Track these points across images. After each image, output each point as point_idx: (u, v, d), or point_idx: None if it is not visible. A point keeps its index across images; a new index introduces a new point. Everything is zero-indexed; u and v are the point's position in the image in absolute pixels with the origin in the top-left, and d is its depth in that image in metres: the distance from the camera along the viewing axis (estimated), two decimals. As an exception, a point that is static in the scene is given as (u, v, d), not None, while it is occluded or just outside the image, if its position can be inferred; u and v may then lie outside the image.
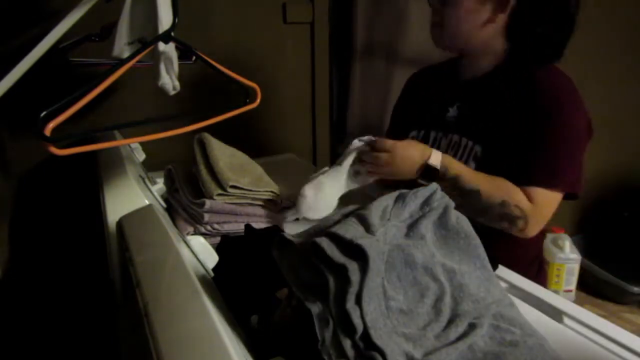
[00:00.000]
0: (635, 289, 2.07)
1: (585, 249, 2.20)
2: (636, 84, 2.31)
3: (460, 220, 0.54)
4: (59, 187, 1.35)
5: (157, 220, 0.68)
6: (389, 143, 0.85)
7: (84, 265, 1.33)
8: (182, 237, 0.80)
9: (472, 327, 0.46)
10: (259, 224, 0.86)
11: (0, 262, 1.08)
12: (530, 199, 0.86)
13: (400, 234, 0.50)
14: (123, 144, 1.09)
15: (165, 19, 0.85)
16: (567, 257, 2.14)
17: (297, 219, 1.00)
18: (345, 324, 0.41)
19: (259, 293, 0.56)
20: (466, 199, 0.86)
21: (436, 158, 0.85)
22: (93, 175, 1.02)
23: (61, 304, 1.34)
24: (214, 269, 0.66)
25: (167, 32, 0.84)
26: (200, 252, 0.74)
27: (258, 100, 0.97)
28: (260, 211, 0.88)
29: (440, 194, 0.54)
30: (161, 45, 0.87)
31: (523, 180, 0.87)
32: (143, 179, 0.93)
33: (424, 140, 1.05)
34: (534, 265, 1.05)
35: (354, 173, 0.91)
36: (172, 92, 0.96)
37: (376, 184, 1.01)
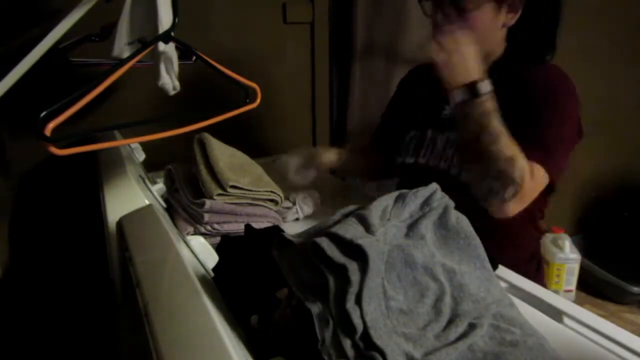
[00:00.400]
0: (635, 289, 2.07)
1: (585, 249, 2.21)
2: (636, 83, 2.31)
3: (460, 221, 0.54)
4: (59, 187, 1.35)
5: (157, 220, 0.68)
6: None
7: (84, 265, 1.33)
8: (182, 237, 0.80)
9: (472, 327, 0.46)
10: (259, 224, 0.86)
11: (0, 262, 1.08)
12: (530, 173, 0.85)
13: (400, 234, 0.50)
14: (123, 144, 1.09)
15: (165, 19, 0.85)
16: (567, 257, 2.14)
17: (297, 219, 1.00)
18: (345, 324, 0.41)
19: (259, 293, 0.56)
20: (482, 137, 0.83)
21: (486, 86, 0.83)
22: (93, 175, 1.02)
23: (61, 304, 1.34)
24: (214, 269, 0.66)
25: (167, 32, 0.84)
26: (200, 252, 0.74)
27: (258, 100, 0.97)
28: (260, 211, 0.88)
29: (440, 194, 0.54)
30: (161, 45, 0.87)
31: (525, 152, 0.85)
32: (143, 179, 0.93)
33: (421, 139, 1.05)
34: (533, 264, 1.05)
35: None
36: (172, 92, 0.96)
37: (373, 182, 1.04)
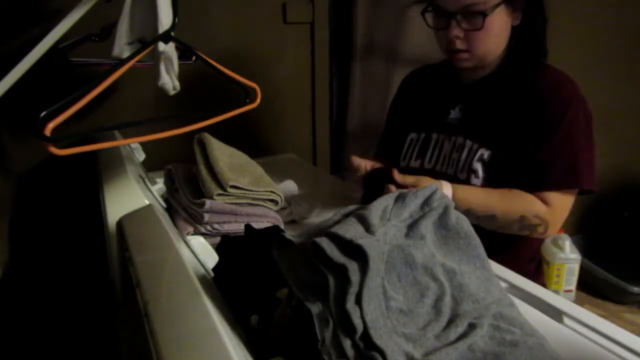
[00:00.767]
0: (635, 289, 2.07)
1: (585, 249, 2.21)
2: (636, 83, 2.31)
3: (460, 220, 0.54)
4: (59, 187, 1.35)
5: (157, 220, 0.68)
6: (399, 178, 0.86)
7: (84, 265, 1.33)
8: (182, 237, 0.80)
9: (472, 327, 0.46)
10: (259, 224, 0.86)
11: (0, 262, 1.08)
12: (546, 202, 0.88)
13: (400, 234, 0.50)
14: (123, 144, 1.09)
15: (165, 19, 0.85)
16: (567, 257, 2.14)
17: (293, 221, 1.00)
18: (345, 324, 0.41)
19: (258, 293, 0.56)
20: (483, 223, 0.88)
21: (447, 189, 0.86)
22: (93, 175, 1.02)
23: (61, 304, 1.34)
24: (214, 269, 0.66)
25: (167, 32, 0.84)
26: (200, 252, 0.74)
27: (258, 100, 0.97)
28: (260, 211, 0.88)
29: (440, 194, 0.54)
30: (161, 45, 0.87)
31: (537, 185, 0.89)
32: (143, 179, 0.93)
33: (425, 142, 1.05)
34: (533, 263, 1.06)
35: None
36: (172, 92, 0.96)
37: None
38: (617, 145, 2.30)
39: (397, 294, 0.46)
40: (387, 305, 0.44)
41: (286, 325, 0.48)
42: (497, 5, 0.88)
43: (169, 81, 0.93)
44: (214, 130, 0.89)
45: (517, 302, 0.65)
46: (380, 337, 0.41)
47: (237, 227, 0.85)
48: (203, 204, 0.81)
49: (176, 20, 0.84)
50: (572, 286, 2.14)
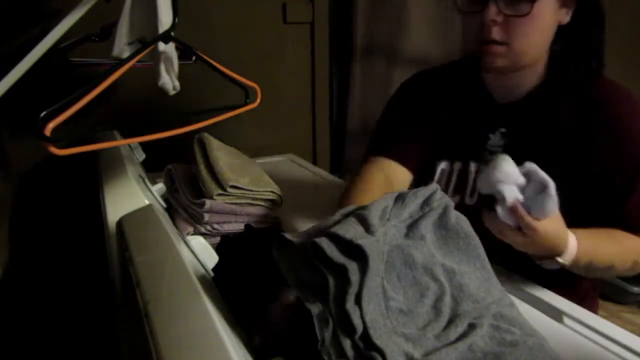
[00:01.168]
0: (635, 289, 2.07)
1: (585, 249, 2.20)
2: (636, 83, 2.31)
3: (459, 220, 0.54)
4: (59, 187, 1.35)
5: (157, 220, 0.68)
6: (532, 224, 0.62)
7: (84, 265, 1.33)
8: (182, 237, 0.80)
9: (471, 327, 0.46)
10: (259, 224, 0.86)
11: (0, 262, 1.08)
12: None
13: (399, 234, 0.50)
14: (123, 144, 1.09)
15: (165, 19, 0.85)
16: (567, 257, 2.14)
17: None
18: (345, 324, 0.41)
19: (259, 293, 0.56)
20: (598, 274, 0.79)
21: (570, 254, 0.68)
22: (93, 175, 1.02)
23: (61, 304, 1.34)
24: (214, 269, 0.66)
25: (167, 32, 0.84)
26: (200, 252, 0.74)
27: (258, 100, 0.97)
28: (260, 211, 0.88)
29: (440, 194, 0.54)
30: (161, 45, 0.87)
31: (633, 228, 0.77)
32: (143, 179, 0.93)
33: (463, 174, 0.90)
34: (588, 300, 0.93)
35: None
36: (172, 92, 0.96)
37: None
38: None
39: (396, 294, 0.46)
40: (386, 305, 0.44)
41: (286, 325, 0.48)
42: None
43: (169, 81, 0.93)
44: (214, 130, 0.89)
45: (517, 302, 0.65)
46: (379, 337, 0.41)
47: (237, 227, 0.85)
48: (203, 204, 0.81)
49: (176, 20, 0.84)
50: (572, 286, 2.14)
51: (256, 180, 0.89)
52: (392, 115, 1.04)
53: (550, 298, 0.70)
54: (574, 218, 0.70)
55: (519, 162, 0.76)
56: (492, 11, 0.74)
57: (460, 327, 0.46)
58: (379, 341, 0.41)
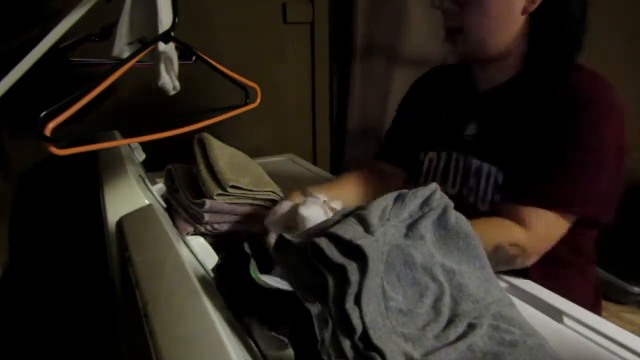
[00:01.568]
0: (635, 289, 2.07)
1: (586, 249, 2.20)
2: (636, 83, 2.31)
3: (459, 221, 0.54)
4: (59, 187, 1.35)
5: (157, 220, 0.68)
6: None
7: (84, 265, 1.33)
8: (182, 237, 0.80)
9: (471, 327, 0.46)
10: (259, 224, 0.86)
11: (0, 262, 1.08)
12: (524, 223, 0.73)
13: (399, 234, 0.50)
14: (123, 144, 1.09)
15: (165, 19, 0.85)
16: (567, 257, 2.14)
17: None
18: (344, 324, 0.41)
19: (259, 293, 0.56)
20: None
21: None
22: (93, 175, 1.02)
23: (61, 304, 1.34)
24: (214, 269, 0.66)
25: (167, 32, 0.84)
26: (200, 252, 0.74)
27: (258, 100, 0.97)
28: (261, 211, 0.88)
29: (439, 194, 0.54)
30: (161, 45, 0.87)
31: (518, 198, 0.75)
32: (143, 179, 0.93)
33: (447, 163, 0.90)
34: (590, 297, 0.91)
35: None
36: (172, 92, 0.96)
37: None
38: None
39: (396, 294, 0.46)
40: (386, 305, 0.44)
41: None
42: None
43: (169, 81, 0.93)
44: (214, 130, 0.89)
45: (517, 302, 0.65)
46: (379, 338, 0.41)
47: (237, 227, 0.85)
48: (203, 204, 0.81)
49: (176, 20, 0.84)
50: (572, 286, 2.14)
51: (256, 180, 0.89)
52: (396, 113, 1.09)
53: (550, 298, 0.70)
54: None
55: (489, 155, 0.81)
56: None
57: (459, 327, 0.46)
58: (378, 341, 0.41)
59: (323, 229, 0.47)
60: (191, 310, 0.46)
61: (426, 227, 0.51)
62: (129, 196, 0.79)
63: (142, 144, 1.22)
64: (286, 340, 0.47)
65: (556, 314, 0.67)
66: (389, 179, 1.04)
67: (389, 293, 0.45)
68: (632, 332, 0.61)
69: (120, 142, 1.05)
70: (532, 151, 0.77)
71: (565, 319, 0.66)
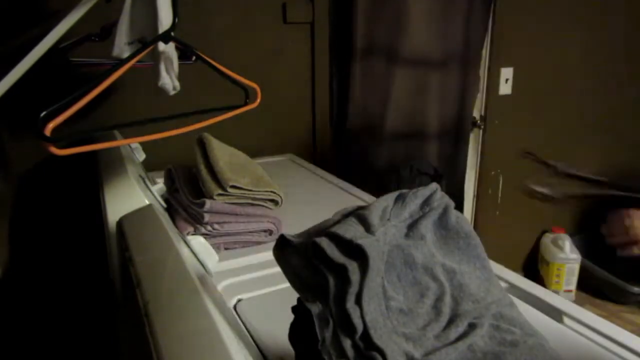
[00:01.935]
0: (635, 289, 2.07)
1: (585, 249, 2.21)
2: (636, 83, 2.31)
3: (460, 220, 0.54)
4: (59, 187, 1.35)
5: (157, 220, 0.68)
6: None
7: (84, 265, 1.33)
8: (182, 237, 0.80)
9: (472, 327, 0.46)
10: (259, 224, 0.86)
11: (0, 262, 1.08)
12: None
13: (400, 234, 0.50)
14: (123, 144, 1.09)
15: (165, 19, 0.85)
16: (567, 257, 2.14)
17: None
18: (345, 324, 0.41)
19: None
20: None
21: None
22: (93, 175, 1.02)
23: (61, 304, 1.34)
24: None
25: (167, 32, 0.84)
26: (200, 252, 0.74)
27: (258, 100, 0.97)
28: (260, 211, 0.88)
29: (440, 193, 0.54)
30: (161, 45, 0.87)
31: None
32: (143, 179, 0.93)
33: None
34: None
35: None
36: (172, 92, 0.96)
37: None
38: (617, 145, 2.30)
39: (397, 294, 0.46)
40: (387, 305, 0.44)
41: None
42: None
43: (169, 81, 0.93)
44: (214, 130, 0.89)
45: (517, 302, 0.65)
46: (380, 337, 0.41)
47: (237, 227, 0.85)
48: (203, 204, 0.81)
49: (176, 20, 0.84)
50: (572, 286, 2.15)
51: (256, 180, 0.89)
52: None
53: (550, 298, 0.70)
54: None
55: None
56: None
57: (460, 327, 0.46)
58: (379, 341, 0.41)
59: (323, 229, 0.47)
60: (192, 310, 0.46)
61: (427, 227, 0.51)
62: (129, 196, 0.79)
63: (142, 144, 1.22)
64: None
65: (556, 314, 0.67)
66: None
67: (390, 293, 0.45)
68: (632, 332, 0.61)
69: (120, 142, 1.05)
70: None
71: (565, 319, 0.66)
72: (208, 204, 0.81)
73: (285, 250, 0.48)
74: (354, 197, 1.17)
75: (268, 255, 0.83)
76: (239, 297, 0.70)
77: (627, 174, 2.34)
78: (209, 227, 0.83)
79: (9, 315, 1.17)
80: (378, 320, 0.42)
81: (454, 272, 0.50)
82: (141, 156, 1.19)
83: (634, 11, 2.19)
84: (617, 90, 2.26)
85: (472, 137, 2.07)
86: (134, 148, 1.18)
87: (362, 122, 1.76)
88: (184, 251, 0.64)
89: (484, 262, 0.53)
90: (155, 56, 0.89)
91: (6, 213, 1.21)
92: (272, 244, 0.85)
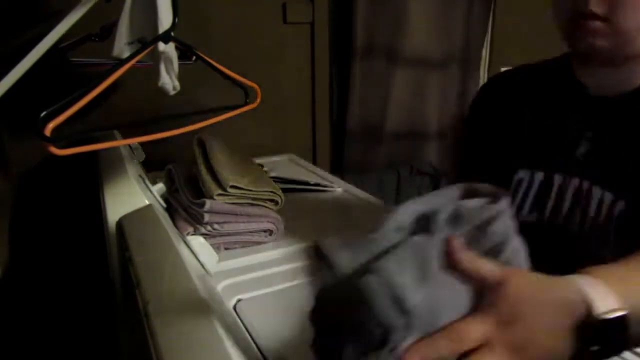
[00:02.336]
0: (635, 289, 2.07)
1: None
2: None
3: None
4: (59, 187, 1.35)
5: (157, 220, 0.68)
6: (493, 274, 0.37)
7: (84, 265, 1.33)
8: (182, 237, 0.80)
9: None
10: (259, 224, 0.86)
11: (0, 262, 1.08)
12: None
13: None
14: (123, 144, 1.09)
15: (165, 19, 0.85)
16: (567, 257, 2.13)
17: None
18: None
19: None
20: None
21: (605, 299, 0.37)
22: (93, 175, 1.02)
23: (61, 303, 1.34)
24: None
25: (167, 32, 0.84)
26: (200, 252, 0.74)
27: (258, 100, 0.97)
28: (260, 211, 0.88)
29: (503, 221, 0.42)
30: (161, 45, 0.87)
31: None
32: (143, 179, 0.93)
33: (545, 186, 0.73)
34: None
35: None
36: (172, 92, 0.96)
37: None
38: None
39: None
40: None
41: None
42: None
43: (169, 81, 0.93)
44: (214, 130, 0.89)
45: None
46: None
47: (237, 227, 0.85)
48: (203, 204, 0.81)
49: (176, 20, 0.84)
50: (572, 286, 2.14)
51: (256, 180, 0.89)
52: (474, 125, 0.90)
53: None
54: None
55: (604, 177, 0.65)
56: None
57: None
58: None
59: (372, 263, 0.39)
60: (192, 310, 0.46)
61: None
62: (129, 196, 0.80)
63: (142, 144, 1.23)
64: None
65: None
66: None
67: None
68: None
69: (120, 142, 1.05)
70: None
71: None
72: (208, 204, 0.81)
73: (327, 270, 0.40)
74: (354, 197, 1.17)
75: (268, 255, 0.84)
76: (239, 297, 0.70)
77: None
78: (209, 227, 0.83)
79: (9, 315, 1.17)
80: None
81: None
82: (141, 156, 1.19)
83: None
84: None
85: (472, 137, 2.07)
86: (134, 148, 1.18)
87: (362, 122, 1.76)
88: (184, 251, 0.64)
89: None
90: (155, 56, 0.89)
91: (6, 213, 1.21)
92: (272, 244, 0.86)
